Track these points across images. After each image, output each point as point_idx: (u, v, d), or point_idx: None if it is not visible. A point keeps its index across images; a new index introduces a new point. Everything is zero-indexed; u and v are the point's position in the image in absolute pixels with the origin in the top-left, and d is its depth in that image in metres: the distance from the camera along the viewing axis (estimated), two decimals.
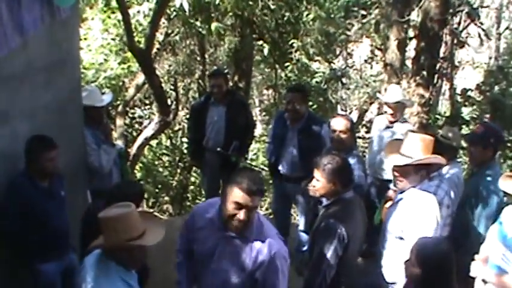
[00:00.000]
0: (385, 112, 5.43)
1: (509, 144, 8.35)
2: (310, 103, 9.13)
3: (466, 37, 10.39)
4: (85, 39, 8.86)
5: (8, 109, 3.67)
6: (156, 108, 9.81)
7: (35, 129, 3.78)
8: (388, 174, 4.94)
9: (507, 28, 17.29)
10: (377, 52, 11.91)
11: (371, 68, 13.60)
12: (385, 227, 3.66)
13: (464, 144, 5.28)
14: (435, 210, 3.48)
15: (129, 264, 2.81)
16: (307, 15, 9.19)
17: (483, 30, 9.33)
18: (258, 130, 13.84)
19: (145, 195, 11.71)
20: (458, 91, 10.57)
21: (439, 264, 2.70)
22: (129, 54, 8.85)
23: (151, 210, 11.36)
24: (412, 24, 8.73)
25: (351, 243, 3.31)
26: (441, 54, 8.36)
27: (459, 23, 9.87)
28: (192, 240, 3.08)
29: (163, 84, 9.78)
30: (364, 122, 12.81)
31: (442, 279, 2.71)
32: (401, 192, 3.62)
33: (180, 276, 3.23)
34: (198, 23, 8.80)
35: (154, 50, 9.31)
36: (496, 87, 9.11)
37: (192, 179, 12.31)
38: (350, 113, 13.65)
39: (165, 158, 12.83)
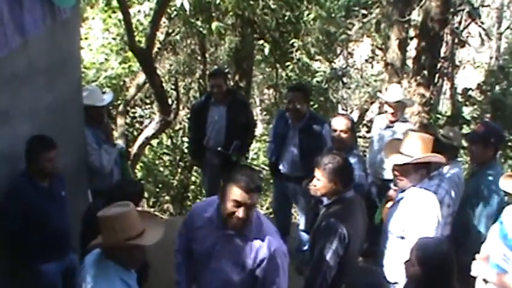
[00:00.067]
0: (386, 111, 5.43)
1: (510, 144, 8.34)
2: (311, 103, 9.12)
3: (467, 37, 10.40)
4: (86, 38, 8.86)
5: (9, 109, 3.67)
6: (157, 107, 9.82)
7: (35, 130, 3.79)
8: (388, 174, 4.93)
9: (508, 28, 17.27)
10: (378, 52, 11.91)
11: (372, 67, 13.60)
12: (386, 226, 3.66)
13: (465, 143, 5.27)
14: (436, 209, 3.48)
15: (128, 263, 2.81)
16: (308, 14, 9.19)
17: (484, 29, 9.33)
18: (259, 130, 13.84)
19: (146, 195, 11.74)
20: (459, 91, 10.56)
21: (440, 264, 2.70)
22: (129, 54, 8.85)
23: (152, 209, 11.37)
24: (412, 23, 8.74)
25: (352, 243, 3.32)
26: (442, 54, 8.36)
27: (460, 23, 9.88)
28: (191, 240, 3.08)
29: (164, 84, 9.77)
30: (364, 122, 12.81)
31: (442, 279, 2.70)
32: (402, 192, 3.63)
33: (179, 276, 3.23)
34: (198, 23, 8.81)
35: (155, 49, 9.32)
36: (497, 87, 9.11)
37: (193, 178, 12.32)
38: (351, 112, 13.66)
39: (166, 158, 12.83)
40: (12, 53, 3.56)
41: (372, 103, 12.77)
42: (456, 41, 9.68)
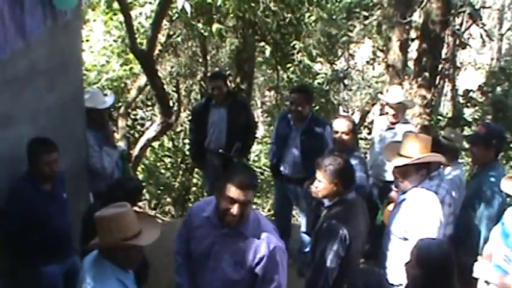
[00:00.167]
0: (387, 113, 5.43)
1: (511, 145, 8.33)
2: (312, 104, 9.12)
3: (468, 38, 10.38)
4: (87, 41, 8.87)
5: (11, 112, 3.68)
6: (158, 109, 9.81)
7: (37, 132, 3.79)
8: (390, 176, 4.94)
9: (509, 29, 17.26)
10: (379, 53, 11.92)
11: (373, 69, 13.61)
12: (389, 228, 3.66)
13: (466, 145, 5.27)
14: (438, 210, 3.49)
15: (125, 264, 2.81)
16: (309, 16, 9.21)
17: (485, 31, 9.31)
18: (260, 131, 13.85)
19: (148, 197, 11.75)
20: (460, 92, 10.55)
21: (440, 265, 2.70)
22: (131, 56, 8.86)
23: (154, 211, 11.38)
24: (414, 25, 8.75)
25: (353, 244, 3.31)
26: (443, 55, 8.37)
27: (461, 24, 9.86)
28: (190, 240, 3.09)
29: (165, 86, 9.79)
30: (366, 123, 12.81)
31: (443, 279, 2.70)
32: (403, 193, 3.63)
33: (180, 279, 3.21)
34: (199, 25, 8.80)
35: (156, 51, 9.32)
36: (498, 88, 9.09)
37: (194, 180, 12.32)
38: (352, 114, 13.67)
39: (167, 160, 12.83)
40: (14, 55, 3.56)
41: (373, 105, 12.77)
42: (457, 42, 9.66)
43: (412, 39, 8.86)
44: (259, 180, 12.63)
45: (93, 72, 8.93)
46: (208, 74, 9.38)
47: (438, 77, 8.30)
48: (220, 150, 5.64)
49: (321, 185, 3.45)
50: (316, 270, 3.32)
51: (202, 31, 8.90)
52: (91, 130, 4.83)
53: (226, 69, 11.75)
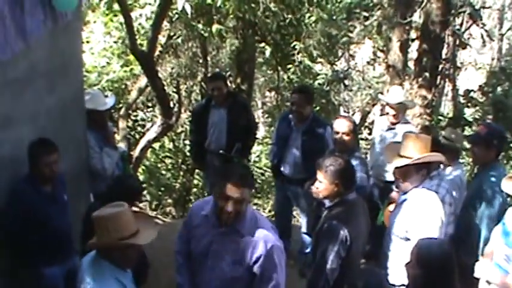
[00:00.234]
0: (387, 113, 5.43)
1: None
2: (313, 105, 9.12)
3: (468, 38, 10.37)
4: (87, 42, 8.88)
5: (11, 113, 3.68)
6: (159, 110, 9.81)
7: (37, 133, 3.79)
8: (390, 176, 4.94)
9: (509, 29, 17.25)
10: (379, 54, 11.91)
11: (373, 69, 13.61)
12: (390, 228, 3.65)
13: (467, 145, 5.27)
14: (439, 209, 3.48)
15: (123, 263, 2.82)
16: (309, 17, 9.20)
17: (485, 31, 9.32)
18: (261, 132, 13.84)
19: (149, 198, 11.75)
20: (460, 92, 10.55)
21: (440, 265, 2.70)
22: (131, 57, 8.87)
23: (154, 212, 11.38)
24: (414, 25, 8.74)
25: (354, 245, 3.31)
26: (443, 56, 8.36)
27: (461, 24, 9.86)
28: (190, 239, 3.10)
29: (165, 87, 9.78)
30: (366, 124, 12.81)
31: (443, 279, 2.70)
32: (404, 193, 3.63)
33: (181, 278, 3.22)
34: (200, 26, 8.81)
35: (157, 52, 9.31)
36: (499, 88, 9.09)
37: (195, 181, 12.32)
38: (353, 114, 13.66)
39: (168, 161, 12.83)
40: (15, 57, 3.57)
41: (373, 105, 12.77)
42: (457, 42, 9.67)
43: (413, 40, 8.85)
44: (259, 181, 12.69)
45: (93, 73, 8.94)
46: (209, 75, 9.37)
47: (438, 77, 8.30)
48: (221, 151, 5.65)
49: (322, 185, 3.45)
50: (317, 270, 3.32)
51: (202, 32, 8.90)
52: (91, 131, 4.83)
53: (226, 70, 11.76)
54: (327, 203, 3.53)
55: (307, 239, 5.25)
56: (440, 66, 8.07)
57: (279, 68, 10.63)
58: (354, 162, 4.07)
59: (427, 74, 7.33)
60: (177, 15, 8.80)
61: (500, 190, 3.90)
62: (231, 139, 5.62)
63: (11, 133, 3.68)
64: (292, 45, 9.45)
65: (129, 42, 7.95)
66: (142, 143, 9.60)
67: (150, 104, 12.49)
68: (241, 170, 2.97)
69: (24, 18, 3.61)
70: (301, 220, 5.68)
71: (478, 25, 8.86)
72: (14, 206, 3.66)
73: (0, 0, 3.40)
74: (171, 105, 10.17)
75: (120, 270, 2.81)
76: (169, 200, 12.18)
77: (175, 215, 11.48)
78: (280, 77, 11.14)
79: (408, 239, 3.44)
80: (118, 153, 5.10)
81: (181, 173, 12.20)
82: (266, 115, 14.80)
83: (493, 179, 4.19)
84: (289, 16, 9.14)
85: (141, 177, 11.49)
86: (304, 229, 5.39)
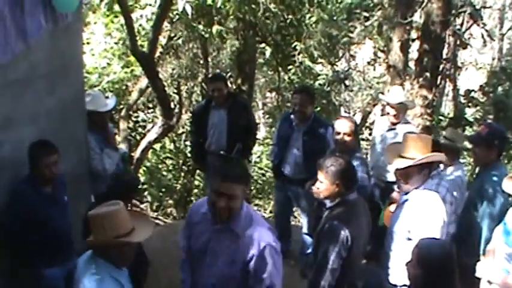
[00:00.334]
0: (388, 113, 5.43)
1: None
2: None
3: (469, 38, 10.38)
4: (88, 43, 8.88)
5: (12, 114, 3.68)
6: (160, 111, 9.81)
7: (38, 135, 3.79)
8: (391, 176, 4.93)
9: (510, 29, 17.25)
10: (380, 54, 11.91)
11: (374, 70, 13.62)
12: (392, 229, 3.65)
13: (468, 145, 5.27)
14: (441, 209, 3.48)
15: (119, 261, 2.83)
16: (309, 17, 9.20)
17: (486, 31, 9.32)
18: (262, 133, 13.86)
19: (149, 199, 11.76)
20: (461, 92, 10.57)
21: (440, 265, 2.69)
22: (132, 58, 8.87)
23: (155, 213, 11.39)
24: (414, 25, 8.74)
25: (355, 245, 3.31)
26: (444, 56, 8.36)
27: (462, 24, 9.87)
28: (191, 236, 3.11)
29: (166, 88, 9.79)
30: (367, 124, 12.81)
31: (443, 279, 2.69)
32: (405, 194, 3.62)
33: (184, 275, 3.23)
34: (200, 27, 8.81)
35: (157, 53, 9.32)
36: (500, 88, 9.10)
37: (196, 182, 12.33)
38: (353, 115, 13.67)
39: (169, 162, 12.84)
40: (15, 58, 3.57)
41: (374, 105, 12.78)
42: (458, 42, 9.68)
43: (413, 40, 8.86)
44: (260, 182, 12.70)
45: (94, 74, 8.94)
46: (209, 76, 9.37)
47: (439, 77, 8.30)
48: (222, 152, 5.65)
49: (323, 185, 3.44)
50: (318, 271, 3.31)
51: (203, 33, 8.91)
52: (92, 132, 4.83)
53: (227, 71, 11.76)
54: (328, 203, 3.52)
55: (308, 239, 5.25)
56: (441, 66, 8.07)
57: (280, 68, 10.63)
58: (355, 162, 4.06)
59: (427, 74, 7.33)
60: (177, 16, 8.81)
61: (501, 190, 3.90)
62: (231, 140, 5.62)
63: (11, 134, 3.68)
64: (292, 45, 9.44)
65: (129, 43, 7.96)
66: (143, 144, 9.60)
67: (150, 105, 12.50)
68: (234, 167, 2.96)
69: (25, 19, 3.61)
70: (302, 220, 5.68)
71: (478, 25, 8.86)
72: (15, 207, 3.67)
73: (1, 1, 3.40)
74: (172, 106, 10.17)
75: (116, 268, 2.82)
76: (170, 201, 12.19)
77: (176, 216, 11.50)
78: (280, 77, 11.15)
79: (410, 239, 3.44)
80: (119, 155, 5.11)
81: (182, 174, 12.21)
82: (267, 116, 14.81)
83: (494, 178, 4.17)
84: (290, 17, 9.14)
85: (142, 178, 11.50)
86: (305, 230, 5.39)
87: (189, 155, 11.16)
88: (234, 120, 5.63)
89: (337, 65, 11.70)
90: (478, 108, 9.39)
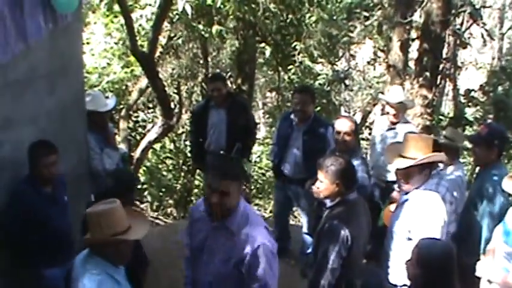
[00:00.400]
0: (388, 113, 5.43)
1: None
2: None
3: (469, 38, 10.38)
4: (88, 43, 8.88)
5: (12, 115, 3.68)
6: (160, 111, 9.81)
7: (38, 135, 3.80)
8: (391, 176, 4.93)
9: (510, 28, 17.26)
10: (380, 54, 11.92)
11: (374, 69, 13.62)
12: (392, 228, 3.64)
13: (468, 145, 5.27)
14: (442, 209, 3.47)
15: (116, 259, 2.84)
16: (309, 17, 9.20)
17: (486, 30, 9.32)
18: (262, 133, 13.86)
19: (149, 199, 11.75)
20: (461, 92, 10.57)
21: (440, 265, 2.70)
22: (132, 58, 8.87)
23: (155, 213, 11.39)
24: (414, 25, 8.74)
25: (355, 245, 3.31)
26: (444, 55, 8.36)
27: (462, 24, 9.88)
28: (191, 233, 3.12)
29: (166, 88, 9.79)
30: (367, 124, 12.81)
31: (443, 279, 2.70)
32: (406, 193, 3.62)
33: (188, 271, 3.24)
34: (200, 26, 8.81)
35: (157, 53, 9.32)
36: (499, 88, 9.10)
37: (196, 182, 12.32)
38: (353, 114, 13.68)
39: (169, 162, 12.84)
40: (15, 58, 3.57)
41: (374, 105, 12.78)
42: (458, 42, 9.67)
43: (413, 39, 8.86)
44: (260, 182, 12.70)
45: (94, 74, 8.95)
46: (208, 76, 9.37)
47: (439, 77, 8.29)
48: (221, 152, 5.64)
49: (323, 185, 3.44)
50: (318, 270, 3.31)
51: (203, 33, 8.91)
52: (92, 133, 4.83)
53: (227, 71, 11.76)
54: (328, 203, 3.52)
55: (308, 239, 5.24)
56: (441, 66, 8.07)
57: (280, 68, 10.63)
58: (355, 162, 4.06)
59: (427, 74, 7.33)
60: (177, 16, 8.80)
61: (501, 189, 3.89)
62: (231, 139, 5.62)
63: (11, 134, 3.68)
64: (292, 45, 9.44)
65: (129, 43, 7.96)
66: (143, 144, 9.60)
67: (150, 105, 12.50)
68: (226, 163, 3.02)
69: (24, 20, 3.61)
70: (302, 220, 5.68)
71: (478, 24, 8.86)
72: (15, 207, 3.67)
73: (1, 1, 3.40)
74: (172, 106, 10.17)
75: (113, 266, 2.83)
76: (170, 201, 12.19)
77: (176, 216, 11.50)
78: (280, 77, 11.15)
79: (410, 239, 3.43)
80: (119, 154, 5.11)
81: (182, 174, 12.20)
82: (267, 115, 14.81)
83: (494, 178, 4.17)
84: (290, 16, 9.14)
85: (142, 178, 11.51)
86: (305, 229, 5.39)
87: (189, 154, 11.16)
88: (233, 120, 5.63)
89: (337, 65, 11.71)
90: (478, 107, 9.39)
